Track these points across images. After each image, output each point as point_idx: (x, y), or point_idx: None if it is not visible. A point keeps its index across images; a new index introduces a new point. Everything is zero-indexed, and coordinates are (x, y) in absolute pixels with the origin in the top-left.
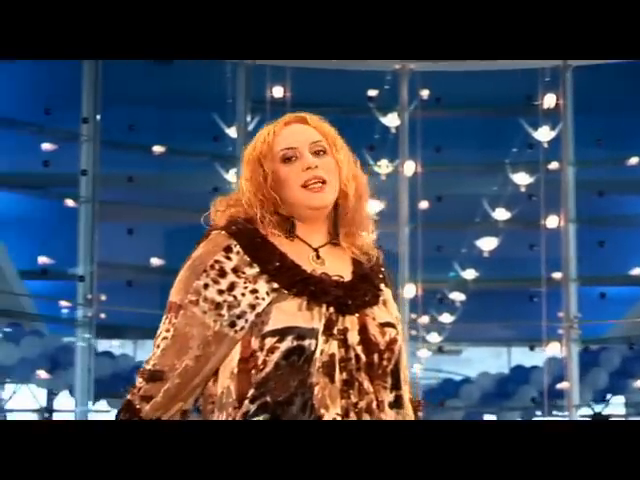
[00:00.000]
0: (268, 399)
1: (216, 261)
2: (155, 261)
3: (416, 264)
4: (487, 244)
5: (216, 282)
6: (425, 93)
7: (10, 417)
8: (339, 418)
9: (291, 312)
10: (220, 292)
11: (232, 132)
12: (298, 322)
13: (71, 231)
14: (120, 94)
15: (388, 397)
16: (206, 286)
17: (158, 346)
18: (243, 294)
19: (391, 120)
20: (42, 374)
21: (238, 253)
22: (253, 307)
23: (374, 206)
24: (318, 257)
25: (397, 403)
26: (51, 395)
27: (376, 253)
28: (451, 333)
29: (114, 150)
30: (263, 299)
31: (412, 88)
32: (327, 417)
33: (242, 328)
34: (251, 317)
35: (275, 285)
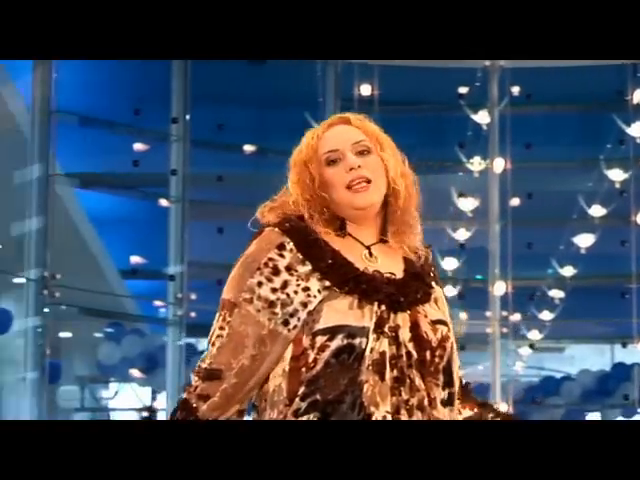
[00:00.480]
0: (318, 397)
1: (270, 259)
2: None
3: (506, 261)
4: (584, 241)
5: (270, 280)
6: (516, 90)
7: (113, 416)
8: (389, 416)
9: (342, 310)
10: (273, 290)
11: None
12: (349, 320)
13: (163, 230)
14: (209, 94)
15: (441, 395)
16: (260, 284)
17: (213, 344)
18: (295, 292)
19: (482, 117)
20: (137, 373)
21: (291, 251)
22: (305, 305)
23: (468, 204)
24: (371, 254)
25: (450, 400)
26: (154, 394)
27: (425, 252)
28: (551, 331)
29: (204, 149)
30: (315, 297)
31: (502, 85)
32: (377, 415)
33: (295, 327)
34: (303, 315)
35: (327, 283)
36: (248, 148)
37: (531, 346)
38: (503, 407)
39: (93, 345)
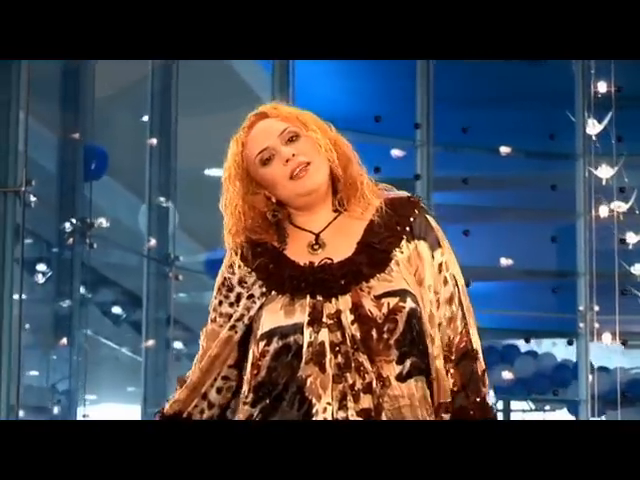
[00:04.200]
0: (267, 401)
1: (225, 278)
2: (504, 261)
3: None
4: None
5: (227, 297)
6: None
7: None
8: (329, 407)
9: (276, 312)
10: (231, 305)
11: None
12: (280, 321)
13: None
14: (452, 96)
15: (396, 370)
16: (220, 303)
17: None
18: (243, 302)
19: None
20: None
21: (240, 267)
22: (248, 309)
23: None
24: (317, 243)
25: (412, 372)
26: None
27: (380, 201)
28: None
29: (448, 153)
30: (254, 302)
31: None
32: (318, 407)
33: (240, 329)
34: (246, 320)
35: (264, 289)
36: (504, 150)
37: (623, 342)
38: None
39: None
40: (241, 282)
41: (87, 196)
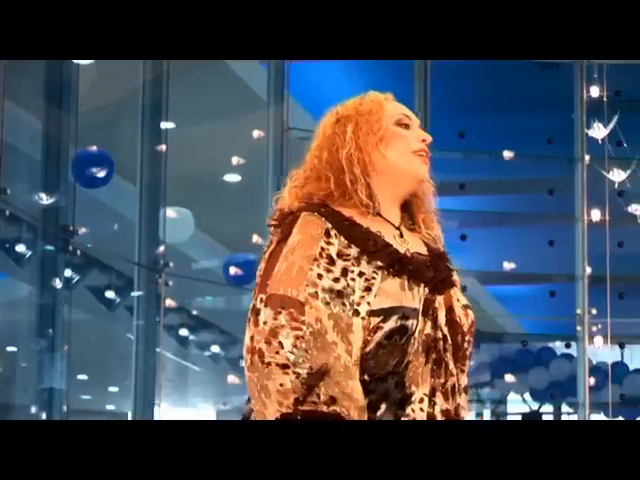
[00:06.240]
0: (366, 377)
1: (322, 248)
2: (507, 265)
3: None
4: None
5: (328, 270)
6: None
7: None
8: (426, 398)
9: (394, 292)
10: (336, 280)
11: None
12: (402, 302)
13: None
14: (448, 102)
15: (464, 381)
16: (320, 276)
17: (295, 346)
18: (353, 279)
19: None
20: None
21: (336, 236)
22: (369, 290)
23: None
24: (402, 235)
25: (467, 389)
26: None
27: (441, 238)
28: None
29: (444, 158)
30: (374, 278)
31: None
32: (416, 396)
33: (363, 314)
34: (371, 299)
35: (379, 263)
36: (507, 154)
37: (621, 345)
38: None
39: None
40: (341, 255)
41: (70, 203)
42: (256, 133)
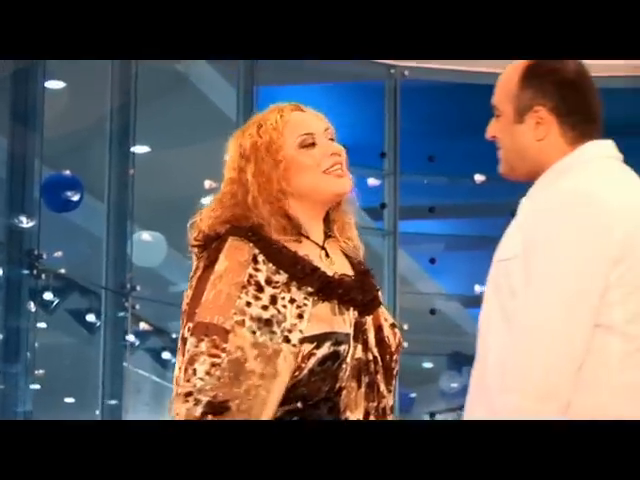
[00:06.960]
0: (299, 405)
1: (250, 275)
2: (479, 288)
3: None
4: None
5: (257, 298)
6: None
7: None
8: None
9: (327, 317)
10: (264, 308)
11: None
12: (334, 327)
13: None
14: (418, 126)
15: (392, 401)
16: (249, 304)
17: (209, 374)
18: (284, 306)
19: None
20: None
21: (264, 262)
22: (301, 317)
23: None
24: (327, 255)
25: (391, 409)
26: None
27: (361, 247)
28: None
29: (414, 182)
30: (305, 305)
31: None
32: (352, 419)
33: (294, 341)
34: (303, 326)
35: (309, 289)
36: (479, 178)
37: None
38: None
39: None
40: (269, 282)
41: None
42: (227, 156)
